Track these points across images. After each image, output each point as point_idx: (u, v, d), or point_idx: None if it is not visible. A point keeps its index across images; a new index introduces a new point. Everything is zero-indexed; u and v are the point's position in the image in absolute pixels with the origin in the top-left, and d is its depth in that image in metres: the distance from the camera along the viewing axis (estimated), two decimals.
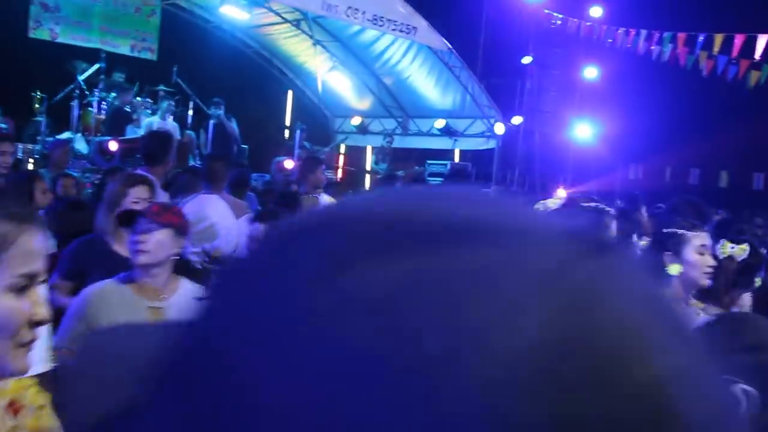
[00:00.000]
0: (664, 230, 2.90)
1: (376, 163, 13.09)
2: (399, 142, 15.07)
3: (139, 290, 2.58)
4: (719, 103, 14.05)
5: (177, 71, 12.12)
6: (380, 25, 11.09)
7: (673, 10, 12.77)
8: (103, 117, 11.05)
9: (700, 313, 3.05)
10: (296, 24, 13.35)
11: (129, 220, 2.62)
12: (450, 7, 13.36)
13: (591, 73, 15.81)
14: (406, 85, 13.96)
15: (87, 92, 11.14)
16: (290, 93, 15.71)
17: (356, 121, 15.25)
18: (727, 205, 11.35)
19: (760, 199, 14.92)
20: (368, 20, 10.95)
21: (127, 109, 10.63)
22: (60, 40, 12.27)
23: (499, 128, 13.50)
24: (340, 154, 13.79)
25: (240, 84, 13.86)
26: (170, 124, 10.73)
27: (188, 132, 11.51)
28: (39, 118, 10.63)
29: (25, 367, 1.19)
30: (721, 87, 11.54)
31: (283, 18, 13.22)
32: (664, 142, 15.72)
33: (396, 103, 14.78)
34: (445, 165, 13.57)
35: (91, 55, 11.66)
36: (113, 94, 10.97)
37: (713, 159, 15.79)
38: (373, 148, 14.26)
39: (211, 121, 11.14)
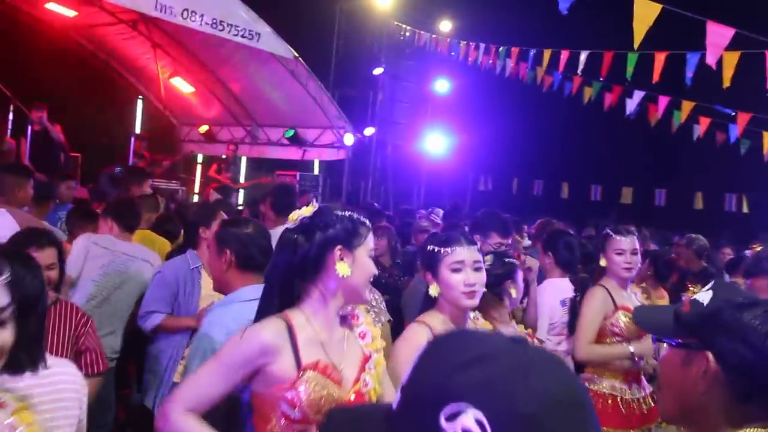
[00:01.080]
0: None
1: (218, 172, 12.50)
2: (249, 152, 14.56)
3: None
4: (560, 118, 14.60)
5: None
6: (220, 30, 10.56)
7: (522, 26, 13.11)
8: None
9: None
10: (132, 25, 12.56)
11: None
12: (302, 16, 13.04)
13: (442, 85, 16.00)
14: (254, 92, 13.49)
15: None
16: (139, 99, 14.81)
17: (203, 129, 14.59)
18: (568, 215, 11.77)
19: (598, 208, 15.67)
20: (207, 24, 10.39)
21: None
22: None
23: (349, 139, 13.30)
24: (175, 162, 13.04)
25: (74, 87, 12.86)
26: None
27: (7, 139, 10.47)
28: None
29: None
30: (562, 102, 11.93)
31: (117, 18, 12.38)
32: (510, 155, 16.18)
33: (245, 111, 14.27)
34: (295, 176, 13.21)
35: None
36: None
37: (556, 171, 16.41)
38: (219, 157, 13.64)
39: (30, 127, 10.16)
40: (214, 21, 10.43)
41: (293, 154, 13.97)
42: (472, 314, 2.82)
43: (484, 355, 0.83)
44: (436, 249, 2.67)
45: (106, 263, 4.38)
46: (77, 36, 13.32)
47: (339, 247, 2.07)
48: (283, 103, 13.41)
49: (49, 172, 8.45)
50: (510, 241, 4.14)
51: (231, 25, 10.66)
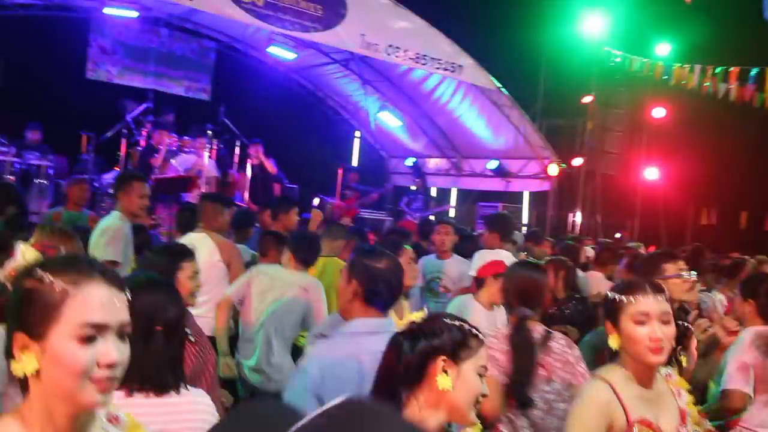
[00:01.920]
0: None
1: (407, 204, 12.73)
2: (452, 183, 14.71)
3: None
4: None
5: (226, 110, 12.26)
6: (423, 64, 10.85)
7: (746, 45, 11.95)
8: (155, 156, 11.19)
9: None
10: (344, 63, 13.29)
11: None
12: (506, 46, 12.98)
13: (658, 112, 15.03)
14: (458, 124, 13.61)
15: (135, 131, 11.34)
16: (356, 136, 15.66)
17: (410, 161, 15.00)
18: None
19: None
20: (410, 59, 10.73)
21: (162, 147, 10.68)
22: (116, 81, 12.62)
23: (553, 169, 12.91)
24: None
25: (294, 123, 13.90)
26: (206, 162, 10.79)
27: (231, 171, 11.52)
28: (86, 156, 10.86)
29: (95, 401, 1.30)
30: None
31: (331, 58, 13.19)
32: (738, 185, 14.70)
33: (449, 142, 14.44)
34: (498, 207, 13.07)
35: (143, 96, 11.93)
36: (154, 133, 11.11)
37: None
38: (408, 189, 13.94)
39: (249, 161, 11.10)
40: (417, 55, 10.72)
41: (497, 185, 13.85)
42: (663, 370, 2.50)
43: None
44: (618, 297, 2.41)
45: (265, 290, 4.61)
46: (297, 76, 14.38)
47: (443, 357, 1.91)
48: (487, 134, 13.38)
49: (265, 202, 9.15)
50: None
51: (434, 59, 10.90)
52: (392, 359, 1.94)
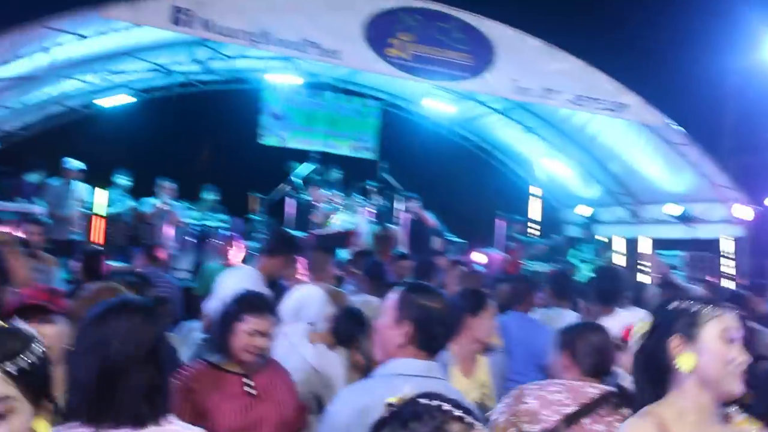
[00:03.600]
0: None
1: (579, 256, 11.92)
2: (627, 232, 13.67)
3: None
4: None
5: (390, 166, 12.45)
6: (581, 105, 10.28)
7: None
8: (315, 213, 11.57)
9: None
10: (505, 112, 13.00)
11: None
12: (681, 78, 12.03)
13: None
14: (630, 167, 12.69)
15: (300, 190, 11.80)
16: (527, 184, 15.22)
17: (584, 210, 14.20)
18: None
19: None
20: (568, 101, 10.21)
21: (321, 205, 10.96)
22: (288, 145, 13.31)
23: (744, 212, 11.53)
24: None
25: (458, 175, 13.80)
26: (358, 219, 10.93)
27: (389, 225, 11.56)
28: (256, 217, 11.44)
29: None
30: None
31: (490, 107, 12.96)
32: None
33: (623, 188, 13.49)
34: (675, 256, 11.90)
35: (308, 156, 12.47)
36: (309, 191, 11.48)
37: None
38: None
39: (403, 215, 11.07)
40: (577, 97, 10.19)
41: (679, 232, 12.63)
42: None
43: None
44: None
45: None
46: (459, 129, 14.30)
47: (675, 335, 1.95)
48: (664, 176, 12.32)
49: (423, 253, 9.01)
50: None
51: (594, 99, 10.30)
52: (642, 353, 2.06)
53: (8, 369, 1.23)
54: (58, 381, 1.75)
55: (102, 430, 1.78)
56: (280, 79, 12.43)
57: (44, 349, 1.32)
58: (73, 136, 11.74)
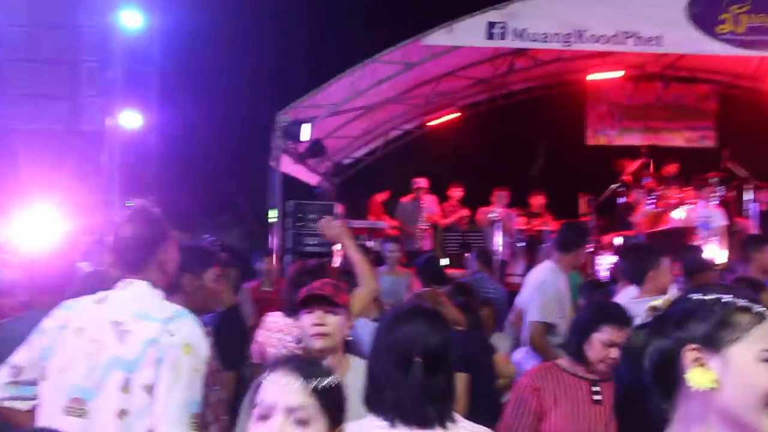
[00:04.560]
0: None
1: None
2: None
3: None
4: None
5: (731, 154, 11.31)
6: None
7: None
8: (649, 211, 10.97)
9: None
10: None
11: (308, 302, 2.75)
12: None
13: None
14: None
15: (633, 188, 11.27)
16: None
17: None
18: None
19: None
20: None
21: (655, 201, 10.29)
22: (616, 142, 12.85)
23: None
24: None
25: None
26: (711, 212, 10.03)
27: (738, 219, 10.46)
28: (585, 219, 11.23)
29: None
30: None
31: None
32: None
33: None
34: None
35: (637, 152, 11.88)
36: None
37: None
38: None
39: (752, 205, 9.90)
40: None
41: None
42: None
43: None
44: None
45: None
46: None
47: (692, 347, 1.32)
48: None
49: None
50: None
51: None
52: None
53: (311, 386, 1.45)
54: None
55: (394, 427, 1.93)
56: (602, 76, 12.09)
57: (340, 381, 1.53)
58: (411, 156, 12.81)
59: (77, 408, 2.17)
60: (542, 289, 4.80)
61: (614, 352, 2.85)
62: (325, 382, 1.46)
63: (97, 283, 2.67)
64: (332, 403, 1.47)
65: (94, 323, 2.31)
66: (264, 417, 1.42)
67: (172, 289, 2.55)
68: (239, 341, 4.06)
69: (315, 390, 1.44)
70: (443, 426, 1.94)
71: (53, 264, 3.63)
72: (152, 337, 2.24)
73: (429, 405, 1.93)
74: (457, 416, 2.02)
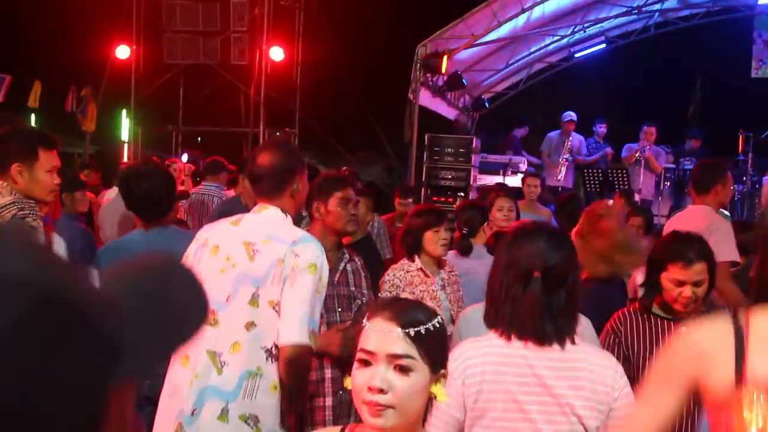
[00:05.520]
0: None
1: None
2: None
3: None
4: None
5: None
6: None
7: None
8: None
9: None
10: None
11: None
12: None
13: None
14: None
15: None
16: None
17: None
18: None
19: None
20: None
21: None
22: None
23: None
24: None
25: None
26: None
27: None
28: (742, 157, 10.42)
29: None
30: None
31: None
32: None
33: None
34: None
35: None
36: None
37: None
38: None
39: None
40: None
41: None
42: None
43: None
44: None
45: None
46: None
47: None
48: None
49: None
50: None
51: None
52: None
53: (411, 333, 1.43)
54: None
55: (511, 342, 1.93)
56: None
57: (442, 323, 1.50)
58: (554, 90, 12.35)
59: (210, 318, 2.35)
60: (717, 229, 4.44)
61: (687, 291, 2.67)
62: (426, 328, 1.44)
63: (235, 207, 2.82)
64: (433, 349, 1.45)
65: (229, 242, 2.50)
66: (366, 363, 1.42)
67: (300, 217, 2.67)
68: (372, 270, 4.13)
69: (416, 337, 1.42)
70: (561, 344, 1.91)
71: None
72: (279, 257, 2.39)
73: (547, 321, 1.90)
74: (579, 339, 1.98)
